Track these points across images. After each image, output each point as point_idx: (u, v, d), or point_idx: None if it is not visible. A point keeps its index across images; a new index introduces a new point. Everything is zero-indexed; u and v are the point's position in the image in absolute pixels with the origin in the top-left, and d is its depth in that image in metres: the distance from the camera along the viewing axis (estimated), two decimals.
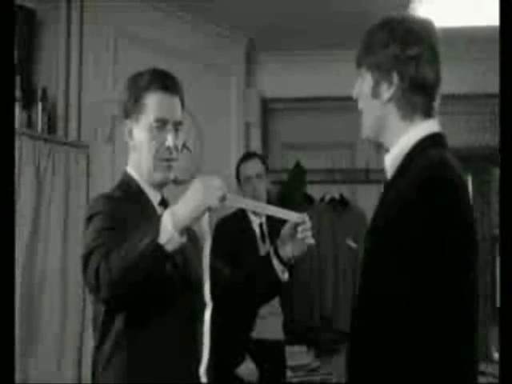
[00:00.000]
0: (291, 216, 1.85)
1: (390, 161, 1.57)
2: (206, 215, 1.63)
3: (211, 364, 1.74)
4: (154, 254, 1.56)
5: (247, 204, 1.76)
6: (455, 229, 1.40)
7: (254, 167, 3.64)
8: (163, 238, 1.55)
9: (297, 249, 1.90)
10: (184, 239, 1.59)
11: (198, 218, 1.60)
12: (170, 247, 1.56)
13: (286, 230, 1.90)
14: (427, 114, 1.55)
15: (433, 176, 1.42)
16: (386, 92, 1.54)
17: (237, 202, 1.70)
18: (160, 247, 1.55)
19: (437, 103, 1.57)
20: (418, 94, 1.53)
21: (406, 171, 1.49)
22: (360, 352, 1.47)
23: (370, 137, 1.62)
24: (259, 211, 1.84)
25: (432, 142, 1.53)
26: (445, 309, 1.38)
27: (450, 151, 1.52)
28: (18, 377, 2.95)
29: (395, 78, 1.52)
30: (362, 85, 1.60)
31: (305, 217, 1.87)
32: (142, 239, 1.56)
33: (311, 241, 1.88)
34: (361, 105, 1.62)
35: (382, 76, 1.54)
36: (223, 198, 1.60)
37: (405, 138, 1.54)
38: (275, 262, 1.91)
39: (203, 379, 1.69)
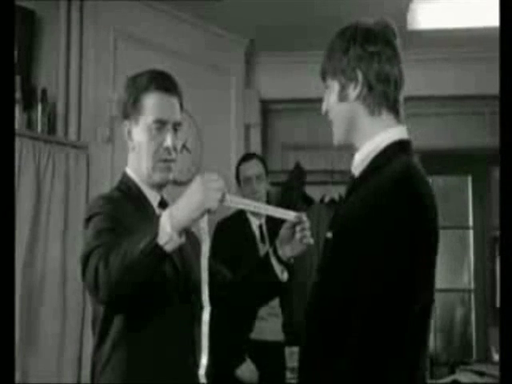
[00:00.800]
0: (289, 215, 1.85)
1: (360, 160, 1.60)
2: (205, 216, 1.62)
3: (211, 365, 1.73)
4: (153, 255, 1.56)
5: (246, 204, 1.76)
6: (420, 234, 1.42)
7: (253, 168, 3.64)
8: (162, 239, 1.55)
9: (295, 248, 1.90)
10: (183, 240, 1.59)
11: (196, 220, 1.59)
12: (168, 248, 1.56)
13: (284, 230, 1.90)
14: (393, 108, 1.58)
15: (403, 182, 1.45)
16: (353, 92, 1.57)
17: (236, 203, 1.69)
18: (159, 248, 1.55)
19: (402, 103, 1.61)
20: (383, 88, 1.56)
21: (376, 174, 1.52)
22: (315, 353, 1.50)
23: (342, 141, 1.65)
24: (258, 211, 1.84)
25: (401, 147, 1.56)
26: (406, 314, 1.40)
27: (416, 159, 1.56)
28: (17, 376, 2.96)
29: (360, 75, 1.56)
30: (329, 96, 1.64)
31: (303, 216, 1.86)
32: (140, 240, 1.56)
33: (310, 240, 1.88)
34: (331, 115, 1.65)
35: (347, 78, 1.58)
36: (222, 199, 1.59)
37: (377, 138, 1.57)
38: (274, 262, 1.91)
39: (202, 380, 1.68)
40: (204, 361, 1.67)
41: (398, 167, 1.49)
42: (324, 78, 1.67)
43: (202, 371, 1.67)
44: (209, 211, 1.57)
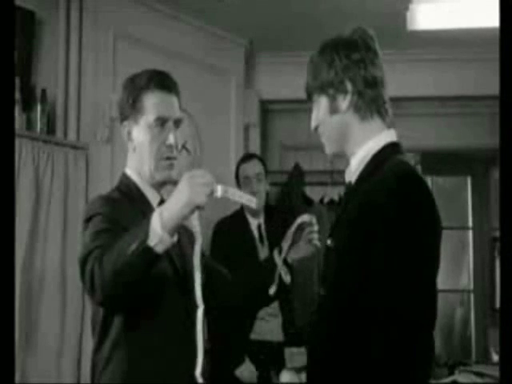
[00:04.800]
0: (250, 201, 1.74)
1: (354, 166, 1.62)
2: (196, 213, 1.61)
3: (211, 365, 1.73)
4: (144, 257, 1.55)
5: (234, 194, 1.68)
6: (426, 230, 1.44)
7: (253, 168, 3.64)
8: (153, 240, 1.54)
9: (302, 251, 1.90)
10: (175, 239, 1.58)
11: (186, 217, 1.58)
12: (159, 249, 1.56)
13: (291, 232, 1.89)
14: (382, 110, 1.60)
15: (406, 180, 1.47)
16: (343, 102, 1.60)
17: (226, 193, 1.64)
18: (150, 249, 1.55)
19: (389, 103, 1.63)
20: (371, 92, 1.59)
21: (372, 178, 1.53)
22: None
23: (335, 151, 1.67)
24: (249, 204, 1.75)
25: (392, 149, 1.58)
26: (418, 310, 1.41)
27: (408, 158, 1.59)
28: (17, 376, 2.95)
29: (348, 85, 1.59)
30: (318, 112, 1.66)
31: (312, 218, 1.86)
32: (132, 241, 1.56)
33: (317, 243, 1.88)
34: (321, 129, 1.67)
35: (336, 90, 1.60)
36: (211, 194, 1.58)
37: (369, 143, 1.59)
38: (279, 263, 1.91)
39: (199, 380, 1.67)
40: (200, 359, 1.66)
41: (393, 168, 1.51)
42: (310, 96, 1.68)
43: (198, 370, 1.66)
44: (198, 207, 1.56)
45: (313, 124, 1.69)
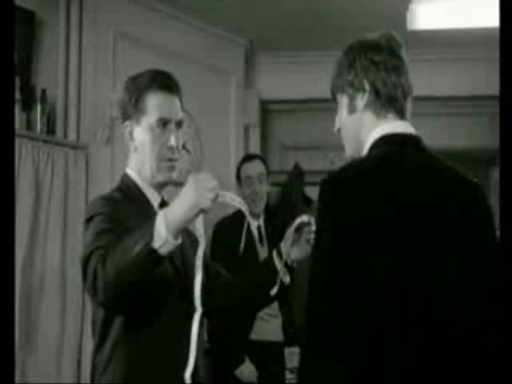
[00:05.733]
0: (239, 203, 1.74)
1: None
2: (201, 217, 1.61)
3: (210, 365, 1.72)
4: (149, 258, 1.55)
5: (225, 196, 1.67)
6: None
7: (256, 168, 3.65)
8: (157, 242, 1.54)
9: (301, 251, 1.90)
10: (179, 242, 1.58)
11: (191, 221, 1.58)
12: (164, 251, 1.55)
13: (290, 232, 1.89)
14: (397, 112, 1.59)
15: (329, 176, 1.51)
16: (361, 101, 1.60)
17: (226, 198, 1.64)
18: (154, 251, 1.54)
19: (409, 111, 1.62)
20: (389, 93, 1.58)
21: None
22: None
23: (353, 154, 1.66)
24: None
25: (385, 140, 1.56)
26: None
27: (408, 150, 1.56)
28: (17, 376, 2.96)
29: (367, 84, 1.58)
30: (340, 112, 1.66)
31: (311, 218, 1.86)
32: (136, 242, 1.55)
33: None
34: (342, 132, 1.67)
35: (355, 89, 1.60)
36: (216, 199, 1.58)
37: (373, 134, 1.58)
38: (278, 264, 1.91)
39: (188, 381, 1.64)
40: (191, 360, 1.65)
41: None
42: (334, 97, 1.69)
43: (188, 372, 1.64)
44: (203, 211, 1.56)
45: (336, 126, 1.69)
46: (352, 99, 1.61)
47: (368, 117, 1.60)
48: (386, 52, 1.59)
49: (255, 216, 3.60)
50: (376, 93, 1.58)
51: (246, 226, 1.82)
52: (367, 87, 1.58)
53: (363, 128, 1.61)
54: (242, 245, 2.04)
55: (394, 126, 1.58)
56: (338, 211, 1.45)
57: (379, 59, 1.58)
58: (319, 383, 1.34)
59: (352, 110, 1.62)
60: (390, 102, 1.58)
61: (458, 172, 1.57)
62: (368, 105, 1.59)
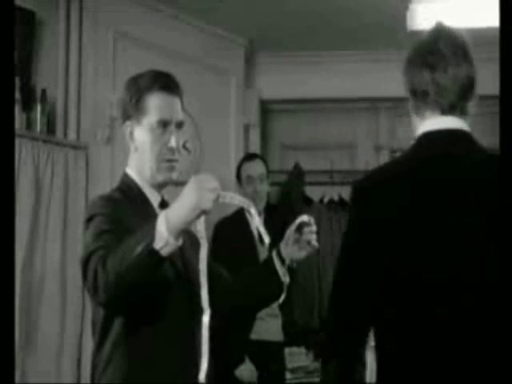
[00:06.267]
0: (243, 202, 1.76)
1: None
2: (202, 218, 1.61)
3: (210, 365, 1.72)
4: (150, 259, 1.55)
5: (225, 196, 1.68)
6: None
7: (256, 168, 3.65)
8: (158, 243, 1.54)
9: (301, 251, 1.90)
10: (180, 243, 1.58)
11: (192, 222, 1.58)
12: (165, 252, 1.55)
13: (290, 232, 1.89)
14: (439, 110, 1.56)
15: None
16: (410, 102, 1.61)
17: (226, 198, 1.65)
18: (155, 252, 1.54)
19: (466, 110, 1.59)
20: (435, 96, 1.55)
21: None
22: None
23: None
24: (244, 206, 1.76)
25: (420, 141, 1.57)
26: None
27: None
28: (17, 376, 2.96)
29: (412, 87, 1.58)
30: None
31: (311, 219, 1.86)
32: (137, 243, 1.55)
33: (316, 243, 1.88)
34: None
35: (408, 91, 1.60)
36: (217, 200, 1.58)
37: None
38: (278, 264, 1.91)
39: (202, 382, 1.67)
40: (204, 366, 1.66)
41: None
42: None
43: (202, 376, 1.66)
44: (204, 212, 1.56)
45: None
46: (409, 101, 1.62)
47: (416, 120, 1.60)
48: (438, 54, 1.56)
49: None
50: (423, 94, 1.56)
51: (255, 220, 1.79)
52: (412, 89, 1.58)
53: (415, 131, 1.60)
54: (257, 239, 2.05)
55: (431, 123, 1.56)
56: (364, 212, 1.53)
57: (431, 60, 1.55)
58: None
59: (410, 112, 1.62)
60: (434, 103, 1.55)
61: (490, 162, 1.54)
62: (413, 108, 1.60)
